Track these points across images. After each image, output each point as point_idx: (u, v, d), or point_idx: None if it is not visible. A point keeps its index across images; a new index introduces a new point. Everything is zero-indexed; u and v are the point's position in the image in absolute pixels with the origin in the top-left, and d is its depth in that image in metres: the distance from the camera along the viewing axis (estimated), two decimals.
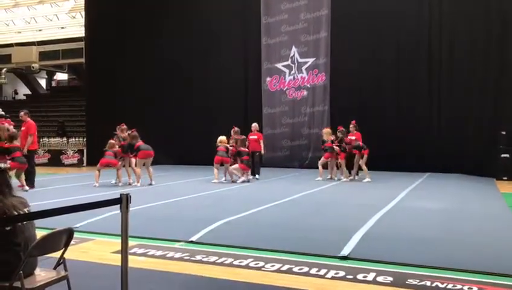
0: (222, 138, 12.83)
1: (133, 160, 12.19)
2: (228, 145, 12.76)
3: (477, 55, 14.21)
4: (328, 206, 8.77)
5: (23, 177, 10.97)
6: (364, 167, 12.65)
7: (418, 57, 15.37)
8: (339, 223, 7.04)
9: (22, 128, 11.65)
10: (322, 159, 13.29)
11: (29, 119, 11.76)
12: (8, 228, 3.08)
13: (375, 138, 13.94)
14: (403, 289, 4.17)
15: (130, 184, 12.02)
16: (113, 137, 12.32)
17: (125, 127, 12.56)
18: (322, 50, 16.99)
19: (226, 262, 4.96)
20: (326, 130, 13.26)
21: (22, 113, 11.93)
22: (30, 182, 11.26)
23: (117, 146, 12.01)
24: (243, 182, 12.38)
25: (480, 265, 4.73)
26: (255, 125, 13.90)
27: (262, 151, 13.53)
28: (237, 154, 12.70)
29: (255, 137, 13.53)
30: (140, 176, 11.90)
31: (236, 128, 13.30)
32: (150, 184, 11.91)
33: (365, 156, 12.55)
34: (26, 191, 10.43)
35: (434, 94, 15.21)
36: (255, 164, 13.53)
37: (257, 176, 13.49)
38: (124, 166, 12.31)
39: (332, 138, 12.95)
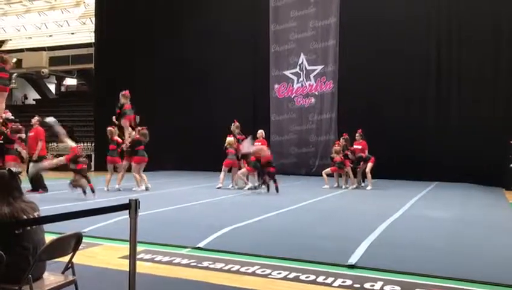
0: (230, 139, 12.72)
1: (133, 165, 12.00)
2: (234, 140, 12.61)
3: (487, 62, 14.11)
4: (335, 214, 8.74)
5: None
6: (368, 175, 12.66)
7: (426, 64, 15.34)
8: (347, 231, 7.01)
9: (30, 133, 11.69)
10: (328, 169, 13.26)
11: (37, 125, 11.80)
12: (18, 232, 3.11)
13: (383, 146, 13.90)
14: None
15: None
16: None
17: (128, 94, 12.18)
18: (331, 58, 17.01)
19: (232, 269, 4.95)
20: (337, 148, 13.09)
21: (36, 118, 11.95)
22: (42, 186, 11.31)
23: (117, 134, 11.88)
24: (250, 189, 12.29)
25: (488, 275, 4.68)
26: (260, 132, 13.90)
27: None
28: (243, 156, 12.54)
29: (259, 144, 13.53)
30: (139, 181, 11.88)
31: (237, 123, 13.18)
32: (147, 188, 11.89)
33: (370, 164, 12.56)
34: None
35: (443, 102, 15.14)
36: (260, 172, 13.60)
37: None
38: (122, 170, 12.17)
39: (341, 156, 12.85)
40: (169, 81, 18.98)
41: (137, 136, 11.88)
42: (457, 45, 14.80)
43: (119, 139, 11.92)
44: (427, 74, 15.34)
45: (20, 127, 11.20)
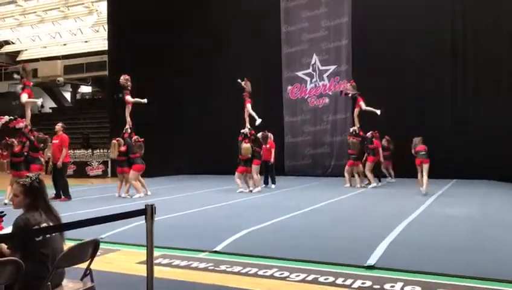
0: (247, 146, 12.66)
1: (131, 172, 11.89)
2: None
3: (505, 54, 13.87)
4: (353, 215, 8.67)
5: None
6: (369, 174, 12.85)
7: (441, 59, 15.20)
8: (365, 231, 6.94)
9: (55, 141, 11.72)
10: (346, 166, 13.24)
11: (62, 132, 11.86)
12: (38, 239, 3.13)
13: (400, 144, 13.76)
14: None
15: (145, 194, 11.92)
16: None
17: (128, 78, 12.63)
18: (343, 57, 16.94)
19: (250, 272, 4.92)
20: (355, 140, 13.09)
21: (60, 124, 11.98)
22: (66, 193, 11.39)
23: (123, 144, 11.86)
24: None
25: (511, 275, 4.58)
26: (269, 135, 14.00)
27: (272, 160, 13.49)
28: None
29: (267, 146, 13.56)
30: (139, 188, 11.79)
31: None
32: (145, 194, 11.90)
33: (368, 164, 12.81)
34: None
35: (460, 98, 14.97)
36: (269, 174, 13.69)
37: (273, 185, 13.48)
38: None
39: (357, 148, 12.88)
40: (181, 87, 19.02)
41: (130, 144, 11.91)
42: (475, 38, 14.60)
43: (123, 149, 11.85)
44: (444, 71, 15.18)
45: (47, 136, 11.33)
